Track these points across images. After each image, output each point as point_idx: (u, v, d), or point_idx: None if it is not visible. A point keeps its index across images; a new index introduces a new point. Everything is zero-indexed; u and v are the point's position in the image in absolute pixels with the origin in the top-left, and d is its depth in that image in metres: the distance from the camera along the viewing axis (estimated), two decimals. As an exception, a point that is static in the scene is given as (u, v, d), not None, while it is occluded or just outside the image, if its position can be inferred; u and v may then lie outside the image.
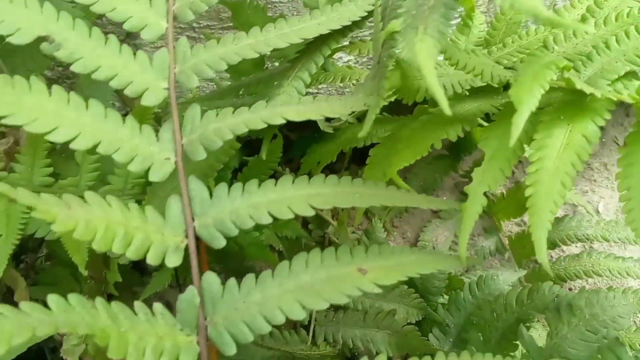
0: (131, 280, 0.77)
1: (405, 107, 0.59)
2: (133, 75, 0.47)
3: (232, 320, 0.44)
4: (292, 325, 0.77)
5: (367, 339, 0.74)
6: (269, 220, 0.46)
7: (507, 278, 0.75)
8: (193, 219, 0.46)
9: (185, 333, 0.44)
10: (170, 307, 0.44)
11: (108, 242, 0.40)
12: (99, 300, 0.41)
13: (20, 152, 0.58)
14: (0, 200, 0.56)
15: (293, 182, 0.48)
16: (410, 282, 0.79)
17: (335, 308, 0.77)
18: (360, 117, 0.77)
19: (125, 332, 0.40)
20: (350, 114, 0.56)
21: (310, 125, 0.75)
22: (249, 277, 0.46)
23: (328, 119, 0.80)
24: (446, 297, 0.82)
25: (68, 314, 0.38)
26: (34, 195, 0.39)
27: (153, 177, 0.46)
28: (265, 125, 0.47)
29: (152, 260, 0.43)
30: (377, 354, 0.74)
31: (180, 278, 0.74)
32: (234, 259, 0.72)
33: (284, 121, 0.47)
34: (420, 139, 0.55)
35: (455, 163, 0.99)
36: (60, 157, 0.61)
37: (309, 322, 0.76)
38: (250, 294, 0.45)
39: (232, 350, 0.43)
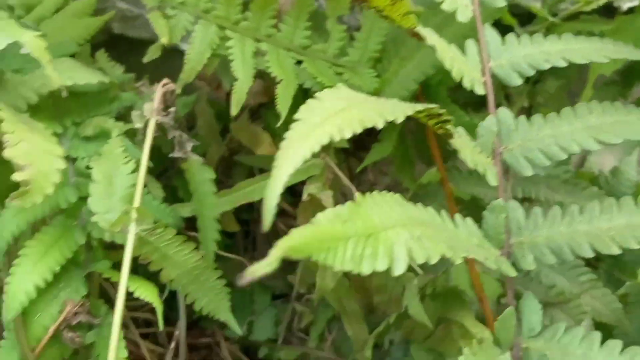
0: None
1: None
2: None
3: (527, 147, 0.49)
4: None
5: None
6: (564, 63, 0.50)
7: None
8: (489, 60, 0.51)
9: (485, 155, 0.49)
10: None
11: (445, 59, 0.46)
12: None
13: (286, 13, 0.65)
14: (275, 53, 0.62)
15: (575, 38, 0.52)
16: None
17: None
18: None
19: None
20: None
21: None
22: (537, 117, 0.50)
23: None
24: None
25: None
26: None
27: (460, 17, 0.50)
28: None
29: (467, 84, 0.48)
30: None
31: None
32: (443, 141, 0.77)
33: None
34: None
35: (626, 90, 0.99)
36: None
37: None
38: (541, 129, 0.49)
39: (529, 171, 0.48)
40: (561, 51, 0.51)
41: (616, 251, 0.42)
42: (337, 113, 0.33)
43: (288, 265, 0.83)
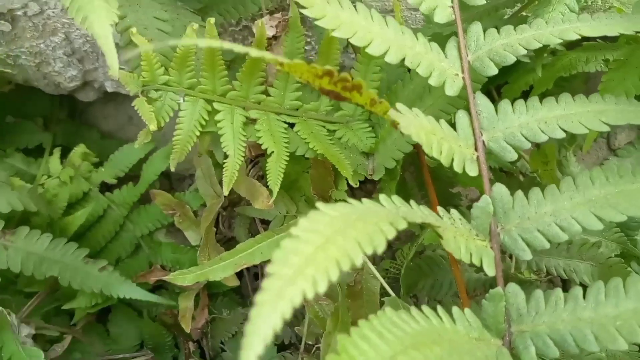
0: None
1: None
2: (422, -8, 0.49)
3: (525, 228, 0.47)
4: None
5: (570, 268, 0.75)
6: (562, 134, 0.47)
7: None
8: (481, 133, 0.49)
9: (480, 238, 0.47)
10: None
11: (429, 147, 0.44)
12: (412, 203, 0.45)
13: (275, 76, 0.63)
14: (265, 120, 0.61)
15: (574, 99, 0.49)
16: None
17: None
18: (568, 46, 0.75)
19: (444, 231, 0.43)
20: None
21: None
22: (535, 191, 0.48)
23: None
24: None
25: (403, 209, 0.42)
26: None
27: (448, 91, 0.48)
28: (559, 41, 0.47)
29: (457, 167, 0.46)
30: (580, 284, 0.76)
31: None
32: (443, 183, 0.75)
33: (577, 37, 0.47)
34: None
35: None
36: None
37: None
38: (540, 205, 0.47)
39: (527, 255, 0.46)
40: (559, 118, 0.48)
41: (623, 346, 0.40)
42: (312, 257, 0.32)
43: (295, 316, 0.83)
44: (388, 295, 0.67)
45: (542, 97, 0.76)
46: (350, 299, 0.67)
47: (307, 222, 0.35)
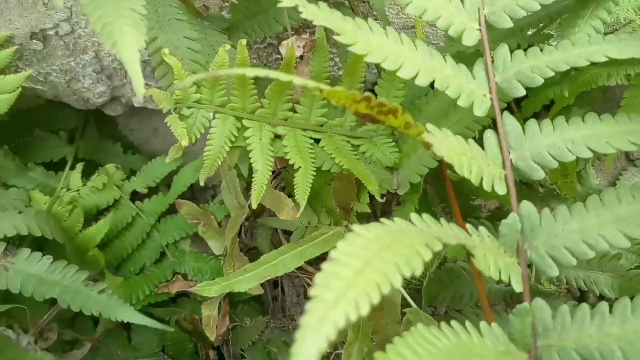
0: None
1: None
2: (452, 17, 0.50)
3: (552, 245, 0.48)
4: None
5: (590, 280, 0.76)
6: (590, 154, 0.48)
7: None
8: (509, 152, 0.50)
9: (508, 255, 0.48)
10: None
11: (460, 167, 0.45)
12: (442, 221, 0.46)
13: (302, 95, 0.64)
14: (292, 136, 0.63)
15: (601, 119, 0.50)
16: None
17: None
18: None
19: (473, 248, 0.45)
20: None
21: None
22: (562, 209, 0.49)
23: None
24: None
25: (435, 229, 0.43)
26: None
27: (477, 112, 0.49)
28: (587, 63, 0.48)
29: (487, 186, 0.47)
30: (600, 295, 0.77)
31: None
32: (464, 196, 0.76)
33: (605, 59, 0.48)
34: None
35: None
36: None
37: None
38: (567, 223, 0.48)
39: (555, 272, 0.47)
40: (586, 138, 0.49)
41: (651, 363, 0.41)
42: (352, 280, 0.33)
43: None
44: (409, 305, 0.68)
45: (564, 111, 0.77)
46: (371, 309, 0.68)
47: (344, 245, 0.36)
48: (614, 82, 0.71)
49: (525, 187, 0.86)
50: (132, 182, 0.88)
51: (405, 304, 0.69)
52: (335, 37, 0.44)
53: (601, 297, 0.91)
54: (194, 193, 1.02)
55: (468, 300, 0.77)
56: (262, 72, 0.39)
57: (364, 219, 0.75)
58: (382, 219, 0.42)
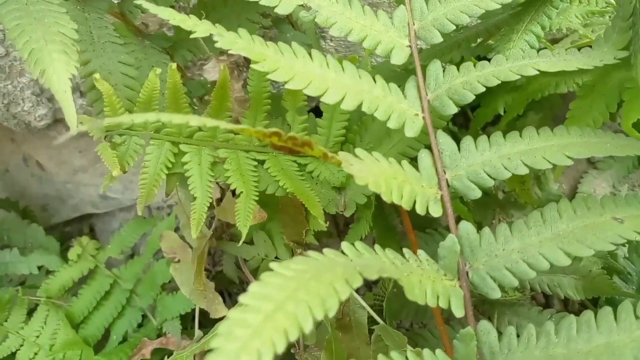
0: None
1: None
2: (379, 35, 0.49)
3: (493, 266, 0.46)
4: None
5: (554, 284, 0.75)
6: (525, 170, 0.47)
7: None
8: (444, 172, 0.48)
9: (448, 278, 0.46)
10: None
11: (388, 193, 0.43)
12: (377, 247, 0.44)
13: (242, 114, 0.62)
14: (234, 159, 0.61)
15: (538, 133, 0.49)
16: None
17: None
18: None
19: (408, 276, 0.43)
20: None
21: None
22: (502, 227, 0.47)
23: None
24: (624, 247, 0.81)
25: (363, 260, 0.42)
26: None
27: (408, 132, 0.47)
28: (517, 77, 0.47)
29: (420, 209, 0.45)
30: (565, 298, 0.76)
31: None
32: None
33: (536, 72, 0.46)
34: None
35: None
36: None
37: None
38: (508, 242, 0.47)
39: (497, 294, 0.46)
40: (523, 153, 0.47)
41: (594, 387, 0.40)
42: (260, 328, 0.31)
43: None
44: (377, 323, 0.66)
45: (519, 117, 0.75)
46: (340, 331, 0.66)
47: (257, 287, 0.34)
48: (564, 90, 0.70)
49: (484, 194, 0.85)
50: (107, 250, 0.88)
51: (373, 322, 0.68)
52: (253, 67, 0.42)
53: (566, 301, 0.90)
54: (151, 212, 1.00)
55: (432, 314, 0.76)
56: (189, 119, 0.37)
57: (324, 236, 0.73)
58: (310, 252, 0.40)
